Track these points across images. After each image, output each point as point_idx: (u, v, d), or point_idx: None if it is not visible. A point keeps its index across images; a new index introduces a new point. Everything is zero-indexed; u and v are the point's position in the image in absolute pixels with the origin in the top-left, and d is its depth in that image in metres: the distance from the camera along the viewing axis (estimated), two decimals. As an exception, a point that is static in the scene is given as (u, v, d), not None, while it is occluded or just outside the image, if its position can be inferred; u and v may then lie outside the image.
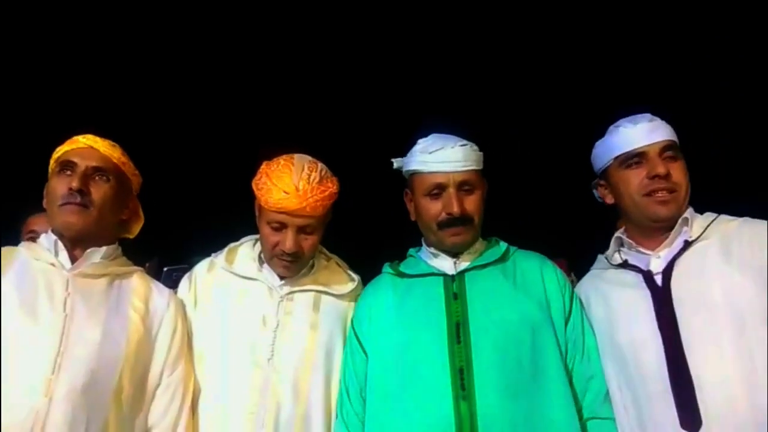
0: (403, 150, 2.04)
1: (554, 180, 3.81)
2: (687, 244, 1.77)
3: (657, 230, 1.82)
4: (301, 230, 1.92)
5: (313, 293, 2.02)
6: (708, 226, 1.78)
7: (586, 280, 2.01)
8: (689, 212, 1.81)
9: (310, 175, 1.90)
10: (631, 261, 1.86)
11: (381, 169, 2.12)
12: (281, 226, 1.91)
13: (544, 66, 3.82)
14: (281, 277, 2.00)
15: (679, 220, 1.79)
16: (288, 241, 1.90)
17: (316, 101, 3.83)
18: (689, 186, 1.83)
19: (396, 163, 2.05)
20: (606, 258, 1.95)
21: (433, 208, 1.90)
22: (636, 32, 3.54)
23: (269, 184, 1.89)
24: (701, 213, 1.85)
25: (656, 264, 1.80)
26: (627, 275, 1.85)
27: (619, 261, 1.89)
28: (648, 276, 1.79)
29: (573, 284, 2.14)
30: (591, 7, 3.54)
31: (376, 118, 3.81)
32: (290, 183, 1.87)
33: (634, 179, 1.82)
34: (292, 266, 1.96)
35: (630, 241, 1.87)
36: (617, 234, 1.92)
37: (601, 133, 1.95)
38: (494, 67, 3.85)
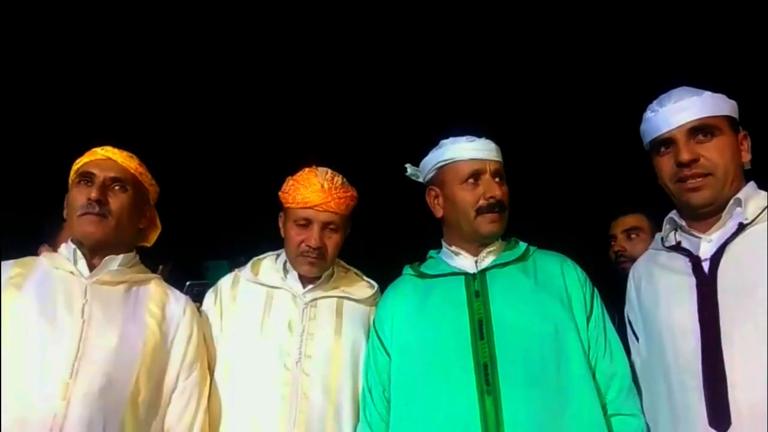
0: (417, 158, 2.08)
1: (571, 181, 3.79)
2: (741, 227, 1.63)
3: (705, 213, 1.70)
4: (325, 227, 2.02)
5: (335, 299, 2.10)
6: (765, 207, 1.64)
7: (642, 260, 1.93)
8: (745, 191, 1.67)
9: (333, 178, 2.06)
10: (684, 244, 1.75)
11: (396, 180, 2.17)
12: (307, 223, 2.02)
13: (558, 78, 3.82)
14: (304, 285, 2.07)
15: (731, 202, 1.66)
16: (314, 236, 2.00)
17: (333, 111, 3.87)
18: (735, 164, 1.68)
19: (410, 169, 2.09)
20: (662, 239, 1.85)
21: (471, 195, 1.89)
22: (658, 27, 3.49)
23: (296, 185, 2.05)
24: None
25: (705, 249, 1.68)
26: (677, 259, 1.74)
27: (673, 243, 1.79)
28: (696, 261, 1.68)
29: None
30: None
31: (393, 131, 3.83)
32: (316, 182, 2.03)
33: (665, 166, 1.74)
34: (316, 263, 2.03)
35: (682, 223, 1.76)
36: (670, 215, 1.82)
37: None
38: (509, 75, 3.86)
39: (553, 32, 3.67)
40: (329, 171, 2.09)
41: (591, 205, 3.19)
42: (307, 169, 2.10)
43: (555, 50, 3.72)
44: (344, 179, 2.10)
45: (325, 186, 2.02)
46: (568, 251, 2.03)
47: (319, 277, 2.08)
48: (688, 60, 3.23)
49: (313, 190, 2.02)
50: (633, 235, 2.72)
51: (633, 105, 1.86)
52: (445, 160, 1.96)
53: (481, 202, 1.88)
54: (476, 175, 1.90)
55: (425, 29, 3.74)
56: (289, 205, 2.06)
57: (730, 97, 1.75)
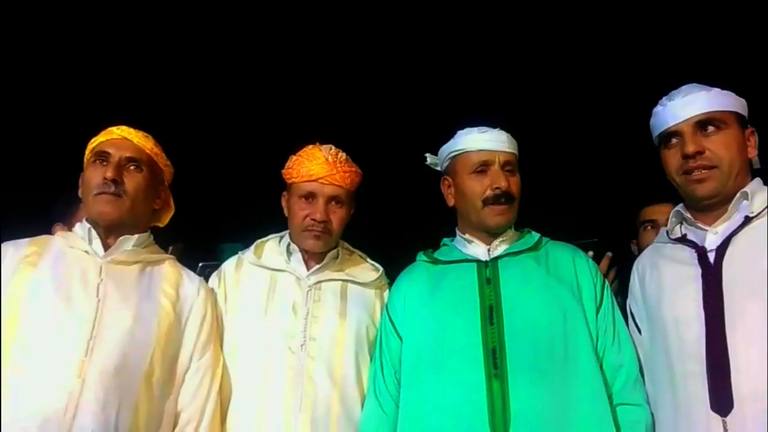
0: (433, 147, 2.10)
1: (586, 174, 3.78)
2: (747, 220, 1.67)
3: (710, 206, 1.74)
4: (330, 200, 2.02)
5: (339, 282, 2.09)
6: None
7: (646, 253, 1.96)
8: (752, 186, 1.70)
9: (338, 153, 2.06)
10: (690, 236, 1.79)
11: (414, 167, 2.19)
12: (311, 197, 2.02)
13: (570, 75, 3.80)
14: (308, 268, 2.07)
15: (737, 194, 1.69)
16: (319, 209, 2.00)
17: (350, 97, 3.85)
18: (741, 158, 1.71)
19: (429, 158, 2.12)
20: (667, 232, 1.88)
21: (479, 186, 1.92)
22: (674, 23, 3.47)
23: (300, 159, 2.06)
24: None
25: (711, 240, 1.71)
26: (682, 251, 1.77)
27: (679, 235, 1.83)
28: (702, 253, 1.71)
29: (610, 278, 2.18)
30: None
31: (411, 118, 3.81)
32: (320, 156, 2.03)
33: (672, 159, 1.77)
34: (321, 236, 2.02)
35: (688, 215, 1.79)
36: (677, 208, 1.85)
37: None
38: (529, 66, 3.83)
39: (575, 24, 3.65)
40: (333, 147, 2.08)
41: (607, 199, 3.20)
42: (310, 146, 2.10)
43: (576, 42, 3.71)
44: (348, 156, 2.10)
45: (330, 159, 2.02)
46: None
47: (323, 259, 2.08)
48: (703, 56, 3.22)
49: (318, 163, 2.02)
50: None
51: (649, 101, 1.88)
52: (456, 150, 1.99)
53: (488, 192, 1.91)
54: (485, 166, 1.93)
55: (443, 19, 3.72)
56: (293, 179, 2.05)
57: (746, 96, 1.78)
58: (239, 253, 2.17)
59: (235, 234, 2.30)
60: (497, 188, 1.90)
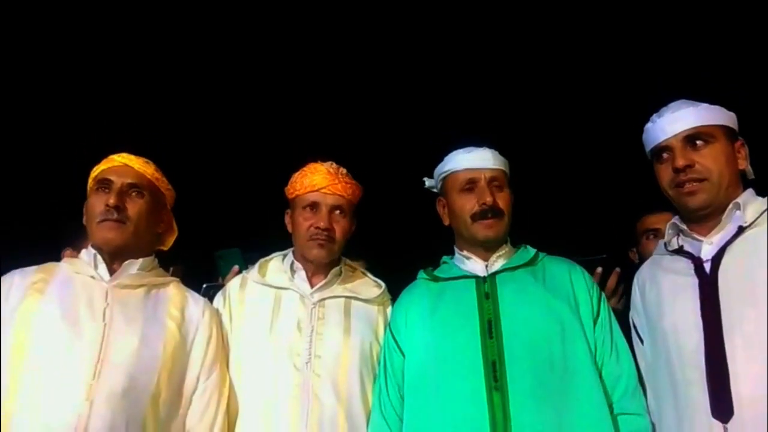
0: (435, 166, 2.16)
1: (582, 191, 3.81)
2: (741, 230, 1.71)
3: (703, 217, 1.78)
4: (333, 210, 2.08)
5: (343, 299, 2.11)
6: (764, 211, 1.71)
7: (645, 266, 2.00)
8: (744, 196, 1.75)
9: (338, 167, 2.14)
10: (686, 247, 1.82)
11: (414, 186, 2.26)
12: (315, 207, 2.08)
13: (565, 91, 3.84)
14: (312, 285, 2.09)
15: (730, 206, 1.73)
16: (322, 218, 2.06)
17: (346, 117, 3.90)
18: (730, 170, 1.75)
19: (427, 182, 2.19)
20: (665, 244, 1.92)
21: (468, 202, 2.00)
22: (666, 41, 3.51)
23: (302, 173, 2.13)
24: None
25: (707, 251, 1.75)
26: (680, 262, 1.81)
27: (675, 246, 1.86)
28: (698, 263, 1.75)
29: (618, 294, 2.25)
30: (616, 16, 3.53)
31: (409, 140, 3.85)
32: (322, 168, 2.11)
33: (664, 173, 1.82)
34: (326, 245, 2.06)
35: (684, 227, 1.83)
36: (672, 220, 1.89)
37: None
38: (526, 86, 3.87)
39: (568, 43, 3.70)
40: (334, 162, 2.15)
41: (604, 214, 3.24)
42: (312, 162, 2.16)
43: (571, 61, 3.75)
44: (348, 172, 2.16)
45: (331, 170, 2.10)
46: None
47: (326, 276, 2.10)
48: (693, 71, 3.26)
49: (321, 175, 2.08)
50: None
51: (643, 117, 1.93)
52: (446, 171, 2.08)
53: (476, 208, 1.98)
54: (472, 183, 2.01)
55: (438, 48, 3.78)
56: (296, 192, 2.11)
57: (739, 110, 1.83)
58: (243, 272, 2.20)
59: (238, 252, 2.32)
60: (483, 204, 1.97)
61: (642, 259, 2.68)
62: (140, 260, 1.93)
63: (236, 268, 2.35)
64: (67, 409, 1.64)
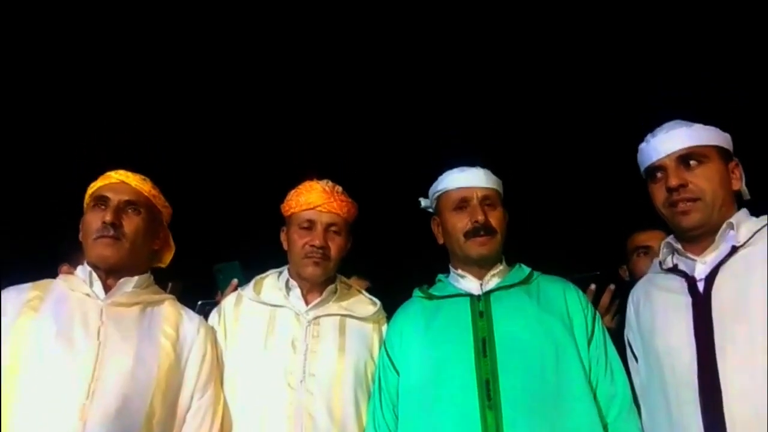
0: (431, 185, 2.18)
1: (574, 209, 3.83)
2: (734, 249, 1.71)
3: (697, 236, 1.78)
4: (328, 227, 2.08)
5: (338, 317, 2.11)
6: (758, 231, 1.71)
7: (640, 284, 2.00)
8: (737, 216, 1.75)
9: (334, 186, 2.15)
10: (680, 266, 1.83)
11: (410, 205, 2.27)
12: (311, 225, 2.08)
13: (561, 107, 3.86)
14: (307, 303, 2.09)
15: (724, 225, 1.74)
16: (318, 236, 2.06)
17: (342, 135, 3.91)
18: (724, 190, 1.76)
19: (423, 202, 2.21)
20: (660, 262, 1.92)
21: (460, 221, 2.01)
22: (657, 57, 3.53)
23: (298, 191, 2.14)
24: None
25: (700, 270, 1.75)
26: (673, 281, 1.81)
27: (670, 265, 1.87)
28: (692, 282, 1.75)
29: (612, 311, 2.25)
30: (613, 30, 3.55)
31: (405, 159, 3.87)
32: (318, 186, 2.12)
33: (658, 193, 1.83)
34: (321, 263, 2.06)
35: (678, 246, 1.84)
36: (667, 239, 1.90)
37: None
38: (525, 103, 3.90)
39: (562, 61, 3.73)
40: (329, 180, 2.16)
41: (596, 232, 3.25)
42: (308, 181, 2.17)
43: (564, 79, 3.78)
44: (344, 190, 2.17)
45: (327, 189, 2.11)
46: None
47: (321, 294, 2.10)
48: (687, 87, 3.30)
49: (316, 193, 2.09)
50: None
51: (636, 135, 1.94)
52: (439, 191, 2.10)
53: (468, 226, 2.00)
54: (464, 202, 2.03)
55: (434, 69, 3.81)
56: (292, 210, 2.12)
57: (737, 129, 1.84)
58: (239, 289, 2.20)
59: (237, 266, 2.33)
60: (476, 221, 1.98)
61: (632, 277, 2.69)
62: (136, 278, 1.93)
63: (235, 281, 2.34)
64: (61, 429, 1.63)
